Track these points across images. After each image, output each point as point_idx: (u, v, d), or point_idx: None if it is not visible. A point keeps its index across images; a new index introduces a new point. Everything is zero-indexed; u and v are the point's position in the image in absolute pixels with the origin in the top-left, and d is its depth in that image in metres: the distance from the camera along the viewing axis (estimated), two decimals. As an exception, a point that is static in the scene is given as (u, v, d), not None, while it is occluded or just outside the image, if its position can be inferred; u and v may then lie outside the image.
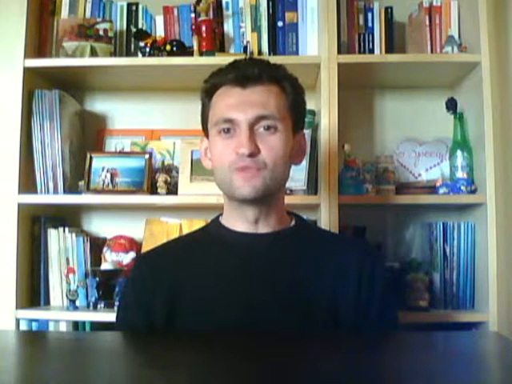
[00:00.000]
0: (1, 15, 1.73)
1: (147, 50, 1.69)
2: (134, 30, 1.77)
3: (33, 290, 1.69)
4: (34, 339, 1.03)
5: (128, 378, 0.72)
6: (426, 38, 1.72)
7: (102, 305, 1.62)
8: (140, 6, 1.80)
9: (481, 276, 1.61)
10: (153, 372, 0.71)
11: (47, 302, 1.69)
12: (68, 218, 1.85)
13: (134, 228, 1.81)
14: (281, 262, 1.07)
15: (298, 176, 1.60)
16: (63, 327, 1.61)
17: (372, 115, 1.88)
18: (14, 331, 1.51)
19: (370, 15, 1.75)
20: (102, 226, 1.87)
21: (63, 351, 0.89)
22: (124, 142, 1.86)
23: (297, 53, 1.71)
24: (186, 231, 1.72)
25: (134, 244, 1.76)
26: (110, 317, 1.44)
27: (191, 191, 1.67)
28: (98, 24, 1.72)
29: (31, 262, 1.69)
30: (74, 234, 1.71)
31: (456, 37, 1.69)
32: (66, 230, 1.70)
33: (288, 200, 1.22)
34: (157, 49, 1.69)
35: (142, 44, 1.71)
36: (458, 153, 1.66)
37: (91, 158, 1.71)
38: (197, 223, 1.68)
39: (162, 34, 1.75)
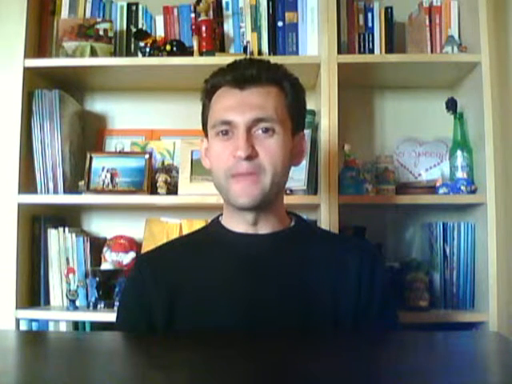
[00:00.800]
0: (1, 15, 1.73)
1: (147, 50, 1.69)
2: (134, 30, 1.77)
3: (33, 290, 1.69)
4: (34, 339, 1.03)
5: (128, 378, 0.72)
6: (425, 38, 1.72)
7: (102, 305, 1.62)
8: (140, 6, 1.80)
9: (481, 276, 1.61)
10: (153, 372, 0.71)
11: (47, 302, 1.69)
12: (68, 218, 1.85)
13: (134, 228, 1.81)
14: (281, 262, 1.07)
15: (298, 176, 1.60)
16: (63, 327, 1.61)
17: (372, 115, 1.88)
18: (14, 331, 1.51)
19: (369, 15, 1.75)
20: (102, 226, 1.87)
21: (63, 351, 0.89)
22: (124, 142, 1.86)
23: (297, 53, 1.71)
24: (186, 231, 1.72)
25: (134, 244, 1.77)
26: (110, 317, 1.45)
27: (191, 191, 1.67)
28: (97, 24, 1.72)
29: (31, 262, 1.69)
30: (73, 234, 1.71)
31: (456, 37, 1.69)
32: (66, 230, 1.70)
33: (288, 200, 1.22)
34: (157, 49, 1.69)
35: (142, 44, 1.71)
36: (458, 153, 1.66)
37: (91, 158, 1.71)
38: (197, 223, 1.68)
39: (162, 34, 1.75)
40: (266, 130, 1.03)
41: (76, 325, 1.63)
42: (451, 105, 1.69)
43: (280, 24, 1.73)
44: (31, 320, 1.62)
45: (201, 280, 1.06)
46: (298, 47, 1.72)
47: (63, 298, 1.68)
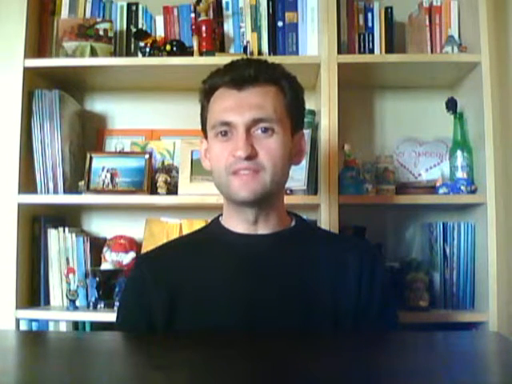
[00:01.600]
0: (1, 15, 1.73)
1: (147, 50, 1.69)
2: (134, 30, 1.77)
3: (33, 290, 1.69)
4: (34, 339, 1.03)
5: (128, 378, 0.72)
6: (425, 38, 1.72)
7: (102, 305, 1.62)
8: (140, 6, 1.80)
9: (481, 276, 1.61)
10: (153, 372, 0.71)
11: (47, 302, 1.69)
12: (68, 217, 1.85)
13: (134, 228, 1.81)
14: (281, 262, 1.07)
15: (298, 176, 1.60)
16: (63, 327, 1.61)
17: (372, 115, 1.88)
18: (14, 331, 1.51)
19: (369, 15, 1.75)
20: (102, 226, 1.87)
21: (63, 351, 0.89)
22: (124, 142, 1.86)
23: (297, 53, 1.71)
24: (186, 231, 1.72)
25: (134, 244, 1.76)
26: (110, 317, 1.45)
27: (191, 191, 1.67)
28: (97, 24, 1.72)
29: (31, 262, 1.69)
30: (74, 234, 1.71)
31: (456, 37, 1.69)
32: (66, 230, 1.70)
33: (288, 200, 1.22)
34: (157, 49, 1.69)
35: (142, 44, 1.71)
36: (458, 153, 1.66)
37: (91, 158, 1.71)
38: (197, 223, 1.68)
39: (162, 34, 1.75)
40: (265, 130, 1.03)
41: (76, 325, 1.63)
42: (451, 105, 1.69)
43: (280, 24, 1.73)
44: (31, 320, 1.62)
45: (201, 280, 1.06)
46: (297, 47, 1.72)
47: (63, 298, 1.68)
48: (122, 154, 1.78)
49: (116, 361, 0.81)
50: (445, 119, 1.74)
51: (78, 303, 1.64)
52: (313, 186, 1.64)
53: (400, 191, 1.68)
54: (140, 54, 1.72)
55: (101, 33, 1.71)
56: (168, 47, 1.68)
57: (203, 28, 1.69)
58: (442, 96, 1.74)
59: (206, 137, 1.12)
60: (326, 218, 1.56)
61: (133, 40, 1.77)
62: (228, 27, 1.76)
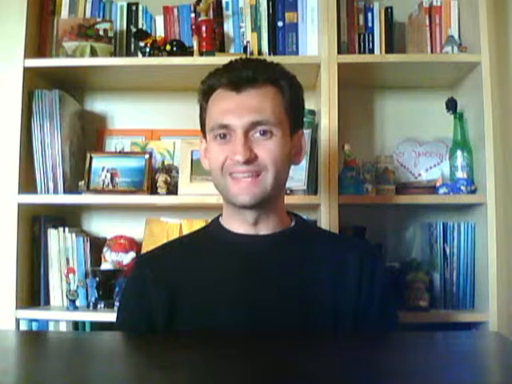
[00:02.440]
0: (1, 15, 1.73)
1: (147, 49, 1.69)
2: (134, 30, 1.77)
3: (33, 290, 1.69)
4: (34, 339, 1.03)
5: (128, 378, 0.72)
6: (425, 38, 1.72)
7: (102, 305, 1.61)
8: (140, 6, 1.80)
9: (481, 276, 1.61)
10: (153, 372, 0.71)
11: (47, 302, 1.69)
12: (68, 218, 1.85)
13: (134, 228, 1.81)
14: (281, 262, 1.07)
15: (298, 176, 1.60)
16: (63, 327, 1.61)
17: (372, 115, 1.88)
18: (14, 331, 1.51)
19: (369, 15, 1.75)
20: (101, 226, 1.87)
21: (63, 351, 0.89)
22: (124, 142, 1.85)
23: (297, 53, 1.71)
24: (186, 231, 1.72)
25: (134, 244, 1.76)
26: (110, 317, 1.45)
27: (191, 191, 1.67)
28: (98, 24, 1.72)
29: (31, 262, 1.69)
30: (74, 234, 1.70)
31: (456, 37, 1.68)
32: (66, 230, 1.70)
33: (288, 200, 1.22)
34: (157, 49, 1.69)
35: (142, 44, 1.71)
36: (458, 153, 1.66)
37: (91, 158, 1.71)
38: (197, 223, 1.68)
39: (162, 34, 1.75)
40: (263, 133, 1.02)
41: (76, 325, 1.62)
42: (451, 105, 1.69)
43: (280, 24, 1.73)
44: (31, 320, 1.62)
45: (201, 280, 1.06)
46: (297, 47, 1.72)
47: (63, 298, 1.68)
48: (122, 154, 1.78)
49: (116, 361, 0.81)
50: (445, 119, 1.74)
51: (77, 303, 1.64)
52: (313, 186, 1.64)
53: (400, 191, 1.68)
54: (140, 54, 1.72)
55: (101, 33, 1.71)
56: (168, 47, 1.68)
57: (203, 28, 1.69)
58: (442, 96, 1.74)
59: (204, 136, 1.12)
60: (326, 218, 1.56)
61: (133, 40, 1.77)
62: (228, 27, 1.76)
